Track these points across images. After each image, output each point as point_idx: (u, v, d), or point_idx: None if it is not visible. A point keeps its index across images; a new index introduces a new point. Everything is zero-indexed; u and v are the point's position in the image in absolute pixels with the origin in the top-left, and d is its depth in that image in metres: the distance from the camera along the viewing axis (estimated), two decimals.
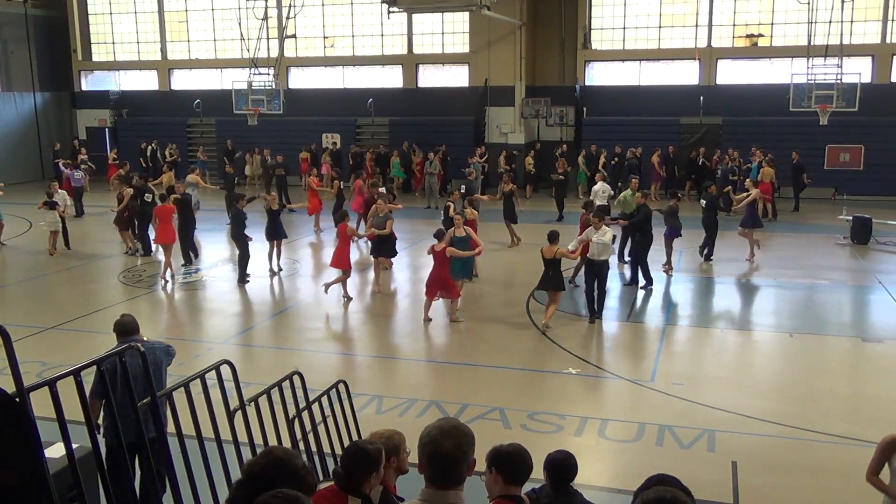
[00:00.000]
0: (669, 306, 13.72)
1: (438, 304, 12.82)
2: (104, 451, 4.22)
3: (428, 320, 12.42)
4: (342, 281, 13.73)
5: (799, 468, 7.66)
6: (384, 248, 14.43)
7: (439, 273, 12.25)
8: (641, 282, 14.32)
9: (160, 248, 15.82)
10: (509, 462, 3.53)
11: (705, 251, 16.41)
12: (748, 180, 18.90)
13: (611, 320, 12.69)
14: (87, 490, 3.69)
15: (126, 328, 6.53)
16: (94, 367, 3.98)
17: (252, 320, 13.22)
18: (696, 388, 9.61)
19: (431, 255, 12.34)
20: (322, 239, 19.25)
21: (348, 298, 13.75)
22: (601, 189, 18.08)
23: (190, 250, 16.42)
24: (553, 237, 11.91)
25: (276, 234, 15.55)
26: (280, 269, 15.75)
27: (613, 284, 14.16)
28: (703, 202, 16.33)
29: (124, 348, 4.08)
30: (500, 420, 8.60)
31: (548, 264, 11.88)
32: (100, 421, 5.89)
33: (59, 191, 18.38)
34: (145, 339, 6.82)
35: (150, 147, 29.23)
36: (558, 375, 10.21)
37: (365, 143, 29.08)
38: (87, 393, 4.59)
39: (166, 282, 14.95)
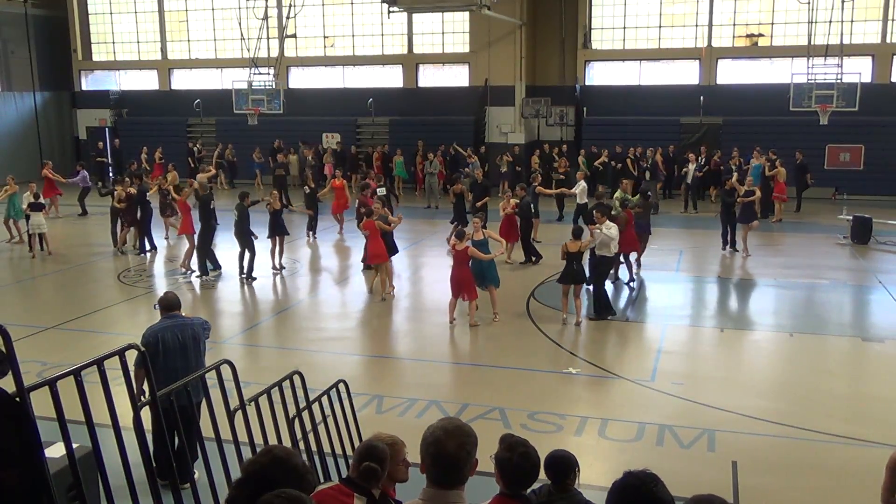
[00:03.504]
0: (669, 306, 13.72)
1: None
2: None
3: (452, 321, 12.21)
4: (388, 275, 13.90)
5: (799, 468, 7.66)
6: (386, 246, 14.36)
7: (457, 273, 12.13)
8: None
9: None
10: (512, 472, 3.52)
11: (727, 242, 16.87)
12: (748, 179, 18.96)
13: (611, 320, 12.68)
14: (87, 490, 3.69)
15: (169, 304, 7.20)
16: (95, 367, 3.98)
17: (252, 320, 13.22)
18: (696, 388, 9.61)
19: (452, 255, 12.30)
20: (318, 242, 19.19)
21: (391, 289, 13.92)
22: (582, 188, 18.44)
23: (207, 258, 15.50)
24: (577, 234, 12.20)
25: (277, 230, 15.59)
26: (282, 268, 15.74)
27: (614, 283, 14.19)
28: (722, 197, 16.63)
29: (124, 348, 4.08)
30: (501, 420, 8.60)
31: (571, 258, 12.00)
32: (144, 387, 6.16)
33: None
34: (184, 314, 7.40)
35: (195, 147, 28.85)
36: (558, 375, 10.20)
37: (365, 143, 29.09)
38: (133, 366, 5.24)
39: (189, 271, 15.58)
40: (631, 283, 14.52)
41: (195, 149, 28.74)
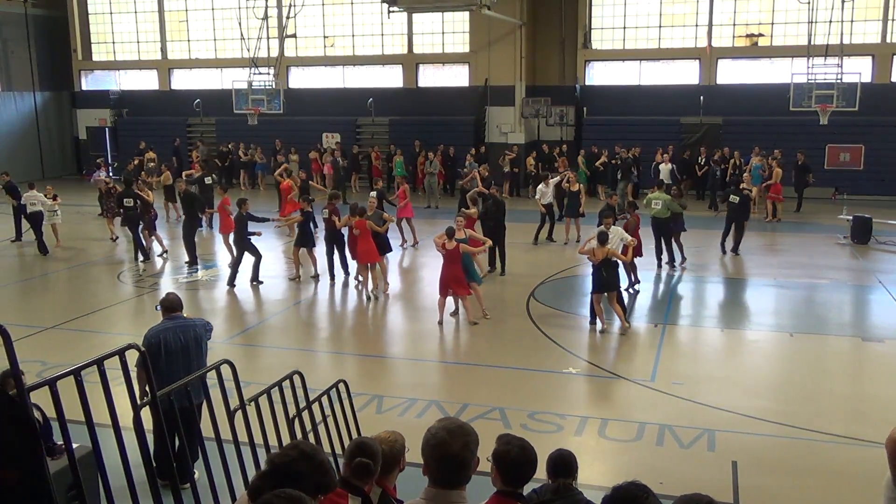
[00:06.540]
0: (669, 306, 13.72)
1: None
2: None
3: (441, 322, 12.28)
4: (383, 273, 14.05)
5: (799, 468, 7.66)
6: (378, 246, 14.37)
7: (450, 271, 12.16)
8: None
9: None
10: (511, 466, 3.51)
11: (731, 245, 16.79)
12: (745, 175, 18.99)
13: (610, 320, 12.67)
14: (87, 490, 3.69)
15: (171, 305, 7.18)
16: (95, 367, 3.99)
17: (252, 320, 13.22)
18: (696, 388, 9.61)
19: (442, 254, 12.26)
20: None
21: (385, 286, 14.07)
22: (545, 190, 18.22)
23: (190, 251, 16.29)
24: (603, 239, 11.83)
25: (305, 240, 15.12)
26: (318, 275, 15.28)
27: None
28: (736, 199, 16.55)
29: (124, 348, 4.08)
30: (501, 420, 8.60)
31: (603, 265, 11.76)
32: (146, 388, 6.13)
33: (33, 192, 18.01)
34: (186, 315, 7.37)
35: (226, 148, 28.54)
36: (558, 375, 10.21)
37: (365, 143, 29.08)
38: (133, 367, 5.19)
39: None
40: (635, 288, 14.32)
41: (225, 150, 28.48)
